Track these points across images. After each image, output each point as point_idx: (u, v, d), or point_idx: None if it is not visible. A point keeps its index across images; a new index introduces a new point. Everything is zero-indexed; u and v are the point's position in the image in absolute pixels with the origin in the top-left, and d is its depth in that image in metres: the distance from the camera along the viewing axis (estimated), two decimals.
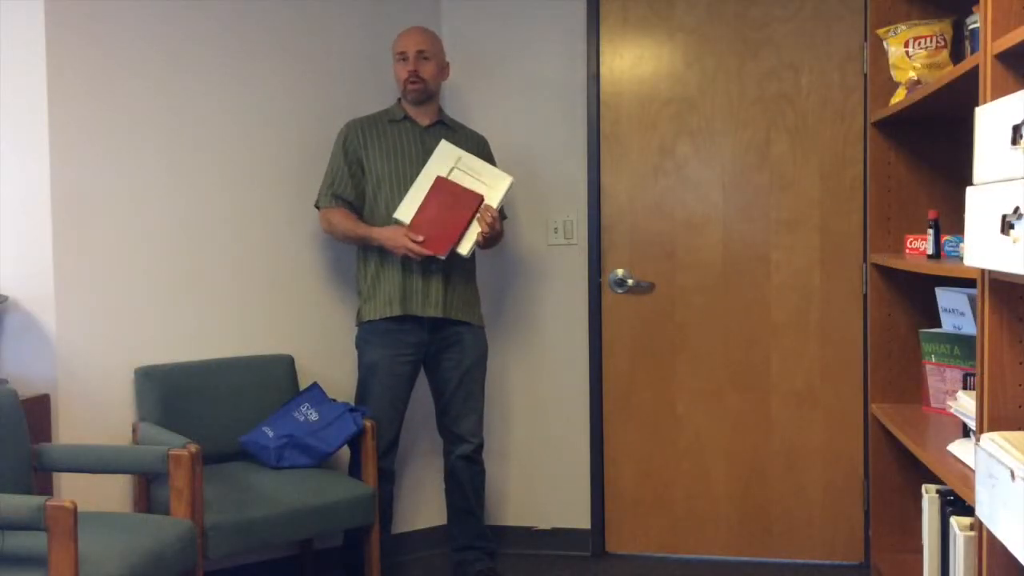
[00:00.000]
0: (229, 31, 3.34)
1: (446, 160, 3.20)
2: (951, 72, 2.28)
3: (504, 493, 3.82)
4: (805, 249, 3.57)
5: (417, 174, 3.21)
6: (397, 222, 3.17)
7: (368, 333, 3.30)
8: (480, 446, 3.41)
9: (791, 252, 3.58)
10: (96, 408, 3.08)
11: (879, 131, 3.13)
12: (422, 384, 3.45)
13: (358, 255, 3.35)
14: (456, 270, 3.28)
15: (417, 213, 3.15)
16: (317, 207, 3.34)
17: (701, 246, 3.65)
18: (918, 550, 2.85)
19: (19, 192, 3.00)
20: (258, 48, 3.40)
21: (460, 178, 3.19)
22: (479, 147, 3.40)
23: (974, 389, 2.18)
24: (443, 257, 3.16)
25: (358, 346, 3.35)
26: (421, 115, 3.33)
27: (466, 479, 3.41)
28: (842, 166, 3.54)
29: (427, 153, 3.24)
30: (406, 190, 3.20)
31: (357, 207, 3.30)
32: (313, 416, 3.18)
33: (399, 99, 3.38)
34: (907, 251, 2.92)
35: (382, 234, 3.19)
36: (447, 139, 3.27)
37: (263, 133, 3.42)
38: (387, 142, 3.29)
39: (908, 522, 3.13)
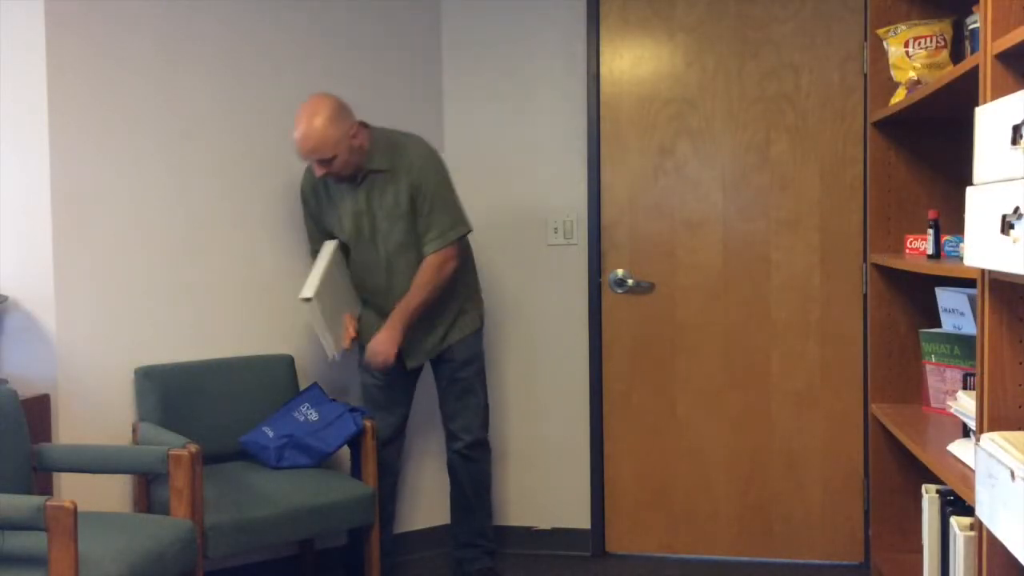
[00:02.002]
0: (229, 31, 3.34)
1: (328, 255, 3.18)
2: (951, 72, 2.28)
3: (504, 493, 3.82)
4: (805, 249, 3.57)
5: (359, 235, 3.19)
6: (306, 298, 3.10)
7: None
8: (474, 443, 3.38)
9: (791, 252, 3.59)
10: (96, 408, 3.08)
11: (879, 131, 3.13)
12: (427, 383, 3.44)
13: None
14: (435, 306, 3.24)
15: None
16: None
17: (701, 246, 3.65)
18: (918, 550, 2.85)
19: (19, 192, 3.00)
20: (258, 48, 3.40)
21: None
22: (407, 177, 3.13)
23: (974, 389, 2.18)
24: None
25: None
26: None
27: (463, 475, 3.41)
28: (842, 166, 3.54)
29: (361, 213, 3.16)
30: (361, 253, 3.22)
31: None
32: (313, 416, 3.18)
33: None
34: (907, 251, 2.92)
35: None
36: (377, 183, 3.13)
37: (263, 133, 3.42)
38: (333, 201, 3.23)
39: (908, 522, 3.13)
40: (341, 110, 3.07)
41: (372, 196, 3.14)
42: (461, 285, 3.34)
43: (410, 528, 3.73)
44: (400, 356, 3.25)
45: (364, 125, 3.13)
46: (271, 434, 3.14)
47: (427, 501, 3.75)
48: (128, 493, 3.11)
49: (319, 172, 3.08)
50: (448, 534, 3.56)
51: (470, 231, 3.25)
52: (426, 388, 3.45)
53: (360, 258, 3.24)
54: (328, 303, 3.15)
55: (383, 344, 3.14)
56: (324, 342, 3.19)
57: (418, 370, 3.37)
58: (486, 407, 3.42)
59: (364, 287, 3.30)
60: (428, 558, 3.72)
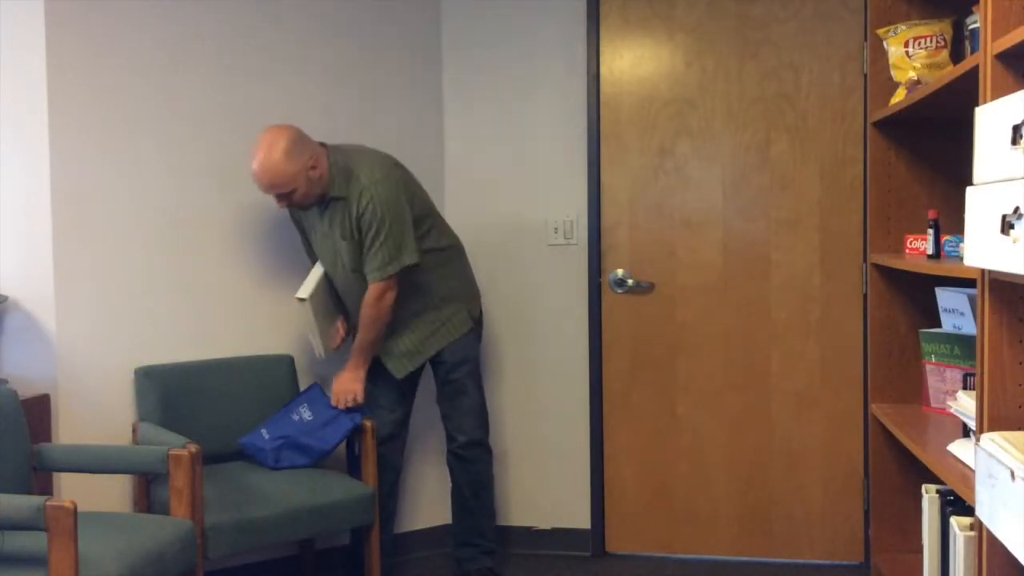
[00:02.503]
0: (229, 31, 3.34)
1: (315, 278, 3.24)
2: (951, 72, 2.28)
3: (504, 493, 3.82)
4: (805, 249, 3.57)
5: (324, 256, 3.23)
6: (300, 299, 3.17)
7: None
8: (469, 443, 3.37)
9: (791, 252, 3.59)
10: (96, 408, 3.08)
11: (879, 131, 3.13)
12: (430, 382, 3.44)
13: None
14: (414, 312, 3.26)
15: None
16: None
17: (701, 246, 3.65)
18: (918, 550, 2.85)
19: (19, 192, 3.00)
20: (258, 48, 3.40)
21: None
22: (355, 207, 3.09)
23: (974, 389, 2.18)
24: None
25: None
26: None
27: (460, 475, 3.40)
28: (842, 166, 3.54)
29: (324, 235, 3.19)
30: (330, 272, 3.25)
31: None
32: (309, 416, 3.19)
33: None
34: (907, 251, 2.92)
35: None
36: (337, 209, 3.13)
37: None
38: (309, 223, 3.26)
39: (908, 522, 3.13)
40: (299, 142, 3.03)
41: (333, 222, 3.15)
42: (448, 291, 3.33)
43: (411, 528, 3.72)
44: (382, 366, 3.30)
45: (323, 147, 3.13)
46: (267, 436, 3.14)
47: (428, 501, 3.75)
48: (128, 493, 3.11)
49: (280, 205, 3.10)
50: (449, 533, 3.56)
51: (414, 263, 3.14)
52: (428, 387, 3.45)
53: (333, 277, 3.27)
54: (321, 305, 3.24)
55: (345, 383, 3.20)
56: (313, 341, 3.29)
57: (419, 369, 3.37)
58: (481, 408, 3.40)
59: (341, 304, 3.35)
60: (429, 558, 3.72)
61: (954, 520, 2.18)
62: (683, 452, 3.69)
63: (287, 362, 3.39)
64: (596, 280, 3.71)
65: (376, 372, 3.28)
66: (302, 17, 3.49)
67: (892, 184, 3.13)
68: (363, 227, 3.09)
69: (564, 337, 3.76)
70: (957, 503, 2.41)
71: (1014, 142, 1.60)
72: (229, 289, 3.36)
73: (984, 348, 1.91)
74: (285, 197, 3.06)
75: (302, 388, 3.38)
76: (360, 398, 3.19)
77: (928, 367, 2.92)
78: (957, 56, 2.74)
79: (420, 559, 3.71)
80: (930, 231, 2.67)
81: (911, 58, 2.81)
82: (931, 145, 3.09)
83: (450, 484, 3.48)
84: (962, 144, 2.95)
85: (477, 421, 3.39)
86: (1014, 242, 1.57)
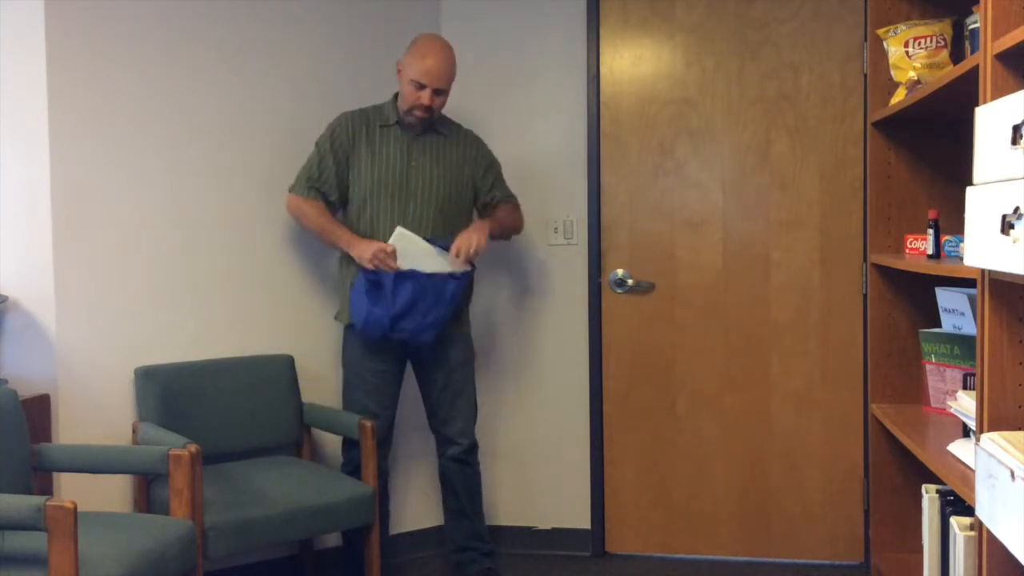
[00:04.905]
0: (229, 31, 3.34)
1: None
2: (951, 72, 2.28)
3: (503, 493, 3.82)
4: (805, 249, 3.57)
5: (400, 184, 3.19)
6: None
7: (348, 332, 3.29)
8: (471, 447, 3.37)
9: (791, 252, 3.59)
10: (96, 408, 3.08)
11: (879, 131, 3.13)
12: (408, 386, 3.43)
13: (340, 256, 3.32)
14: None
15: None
16: (291, 191, 3.27)
17: (701, 246, 3.65)
18: (918, 550, 2.85)
19: (19, 192, 3.00)
20: (259, 47, 3.40)
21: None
22: (471, 148, 3.36)
23: (974, 389, 2.18)
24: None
25: (343, 344, 3.34)
26: (415, 123, 3.24)
27: (458, 480, 3.39)
28: (842, 166, 3.54)
29: (411, 163, 3.20)
30: (391, 201, 3.18)
31: (333, 204, 3.26)
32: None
33: (395, 97, 3.30)
34: (907, 251, 2.92)
35: (355, 246, 3.15)
36: (438, 142, 3.25)
37: (264, 133, 3.42)
38: (375, 148, 3.22)
39: (908, 522, 3.13)
40: None
41: (429, 152, 3.25)
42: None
43: (403, 529, 3.71)
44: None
45: None
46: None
47: (424, 502, 3.74)
48: (128, 493, 3.11)
49: (427, 100, 3.14)
50: (445, 537, 3.55)
51: None
52: (409, 389, 3.43)
53: (387, 209, 3.20)
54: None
55: (471, 233, 3.18)
56: (437, 258, 3.15)
57: (401, 371, 3.34)
58: (476, 408, 3.41)
59: (378, 238, 3.21)
60: (426, 558, 3.72)
61: (954, 520, 2.18)
62: (683, 452, 3.69)
63: (287, 362, 3.38)
64: (596, 280, 3.71)
65: (366, 372, 3.25)
66: (303, 18, 3.49)
67: (892, 184, 3.13)
68: (483, 165, 3.38)
69: (564, 337, 3.76)
70: (957, 503, 2.41)
71: (1014, 142, 1.60)
72: (229, 289, 3.36)
73: (984, 348, 1.91)
74: (440, 94, 3.18)
75: (302, 388, 3.37)
76: (483, 245, 3.18)
77: (928, 367, 2.92)
78: (957, 56, 2.74)
79: (415, 560, 3.71)
80: (930, 231, 2.67)
81: (911, 58, 2.81)
82: (931, 145, 3.09)
83: (439, 488, 3.47)
84: (962, 144, 2.94)
85: (473, 423, 3.39)
86: (1014, 242, 1.57)
